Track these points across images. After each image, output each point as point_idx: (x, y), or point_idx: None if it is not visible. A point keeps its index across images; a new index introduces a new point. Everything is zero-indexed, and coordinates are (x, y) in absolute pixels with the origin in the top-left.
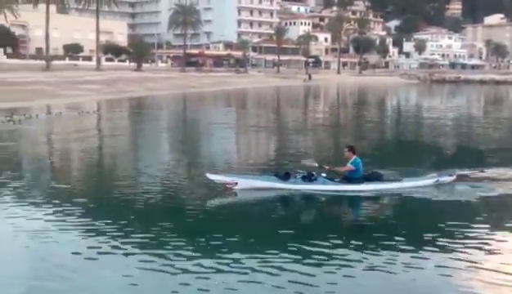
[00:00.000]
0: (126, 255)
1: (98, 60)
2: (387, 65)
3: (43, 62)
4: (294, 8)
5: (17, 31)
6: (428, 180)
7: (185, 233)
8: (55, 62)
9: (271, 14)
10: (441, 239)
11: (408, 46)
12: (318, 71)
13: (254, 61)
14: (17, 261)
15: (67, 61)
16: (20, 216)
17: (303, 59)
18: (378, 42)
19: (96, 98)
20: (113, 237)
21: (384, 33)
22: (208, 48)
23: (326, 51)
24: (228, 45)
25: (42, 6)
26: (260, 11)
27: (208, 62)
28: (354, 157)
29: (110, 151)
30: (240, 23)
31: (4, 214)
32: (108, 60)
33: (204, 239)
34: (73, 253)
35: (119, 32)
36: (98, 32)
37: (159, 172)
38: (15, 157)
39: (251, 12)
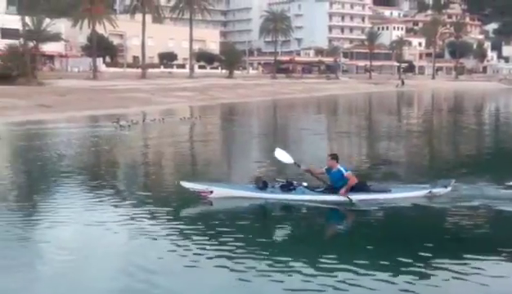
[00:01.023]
0: (218, 264)
1: (191, 68)
2: (485, 70)
3: (139, 70)
4: (387, 13)
5: (115, 40)
6: (419, 192)
7: (275, 239)
8: (150, 70)
9: (363, 19)
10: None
11: (508, 50)
12: (411, 76)
13: (345, 67)
14: (112, 259)
15: (162, 69)
16: (121, 215)
17: (396, 64)
18: (475, 46)
19: (189, 105)
20: (207, 242)
21: (481, 36)
22: (298, 55)
23: (420, 55)
24: (319, 51)
25: (138, 16)
26: (352, 17)
27: (299, 68)
28: (338, 165)
29: (210, 155)
30: (331, 29)
31: (107, 213)
32: (201, 67)
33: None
34: (166, 256)
35: (211, 40)
36: (192, 40)
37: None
38: (126, 160)
39: (342, 18)
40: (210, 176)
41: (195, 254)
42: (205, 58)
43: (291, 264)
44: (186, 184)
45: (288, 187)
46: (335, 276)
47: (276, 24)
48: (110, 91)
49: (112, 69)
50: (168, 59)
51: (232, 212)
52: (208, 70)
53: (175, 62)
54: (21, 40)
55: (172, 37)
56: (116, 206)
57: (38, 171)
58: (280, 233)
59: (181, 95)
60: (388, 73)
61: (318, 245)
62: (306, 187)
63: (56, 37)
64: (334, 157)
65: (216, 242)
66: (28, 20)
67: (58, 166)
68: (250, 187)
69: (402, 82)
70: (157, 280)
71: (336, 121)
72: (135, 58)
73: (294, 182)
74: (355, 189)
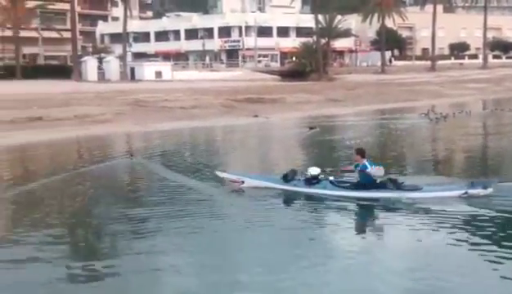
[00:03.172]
0: None
1: (485, 58)
2: None
3: (428, 62)
4: None
5: (404, 33)
6: (453, 192)
7: None
8: (440, 62)
9: None
10: None
11: None
12: None
13: None
14: (409, 255)
15: (452, 60)
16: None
17: None
18: None
19: (481, 97)
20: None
21: None
22: None
23: None
24: None
25: (429, 8)
26: None
27: None
28: (364, 161)
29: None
30: None
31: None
32: (495, 57)
33: None
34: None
35: (508, 27)
36: (485, 29)
37: None
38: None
39: None
40: None
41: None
42: (500, 47)
43: None
44: (220, 174)
45: (311, 180)
46: None
47: None
48: (398, 85)
49: (400, 63)
50: (459, 49)
51: None
52: (503, 60)
53: (467, 52)
54: (314, 37)
55: (464, 26)
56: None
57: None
58: None
59: (473, 87)
60: None
61: None
62: (331, 182)
63: (346, 33)
64: (359, 152)
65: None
66: (321, 18)
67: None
68: (276, 179)
69: None
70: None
71: None
72: (424, 50)
73: (321, 176)
74: (382, 185)
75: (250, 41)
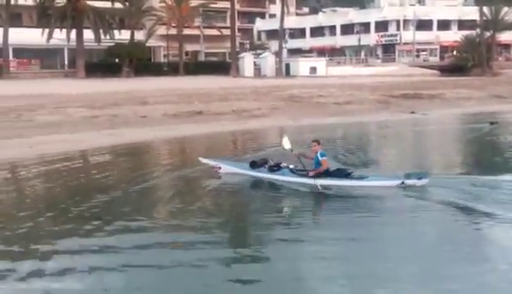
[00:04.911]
0: None
1: None
2: None
3: None
4: None
5: None
6: (392, 181)
7: None
8: None
9: None
10: None
11: None
12: None
13: None
14: None
15: None
16: None
17: None
18: None
19: None
20: None
21: None
22: None
23: None
24: None
25: None
26: None
27: None
28: (319, 150)
29: None
30: None
31: None
32: None
33: None
34: None
35: None
36: None
37: None
38: None
39: None
40: None
41: None
42: None
43: None
44: (203, 160)
45: (273, 168)
46: None
47: None
48: None
49: None
50: None
51: None
52: None
53: None
54: (478, 30)
55: None
56: None
57: None
58: None
59: None
60: None
61: None
62: (290, 170)
63: None
64: (316, 141)
65: None
66: (485, 9)
67: None
68: (245, 166)
69: None
70: None
71: None
72: None
73: (283, 164)
74: (332, 174)
75: (408, 35)
